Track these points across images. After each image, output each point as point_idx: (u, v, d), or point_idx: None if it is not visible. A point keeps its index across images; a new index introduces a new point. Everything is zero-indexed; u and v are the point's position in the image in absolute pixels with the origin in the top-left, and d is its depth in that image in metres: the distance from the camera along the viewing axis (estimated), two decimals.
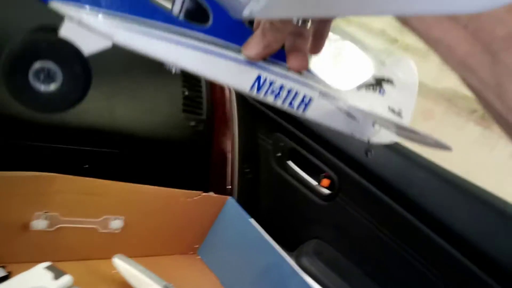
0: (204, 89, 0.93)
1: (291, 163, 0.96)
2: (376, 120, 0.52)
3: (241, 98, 1.00)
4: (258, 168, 1.03)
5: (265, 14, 0.32)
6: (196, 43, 0.35)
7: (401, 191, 0.77)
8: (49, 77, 0.31)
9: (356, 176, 0.83)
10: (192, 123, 0.87)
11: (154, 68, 0.83)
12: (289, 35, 0.38)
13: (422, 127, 0.47)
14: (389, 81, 0.56)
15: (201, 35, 0.36)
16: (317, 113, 0.46)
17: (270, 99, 0.42)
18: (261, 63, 0.39)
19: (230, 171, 0.96)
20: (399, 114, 0.56)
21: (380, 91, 0.55)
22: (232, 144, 0.97)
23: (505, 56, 0.21)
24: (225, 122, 0.97)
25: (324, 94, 0.45)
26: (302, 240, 0.94)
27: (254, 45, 0.37)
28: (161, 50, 0.34)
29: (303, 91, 0.43)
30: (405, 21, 0.24)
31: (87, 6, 0.31)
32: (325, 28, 0.41)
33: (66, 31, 0.32)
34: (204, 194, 0.80)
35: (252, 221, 0.81)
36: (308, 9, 0.26)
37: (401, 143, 0.85)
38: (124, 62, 0.77)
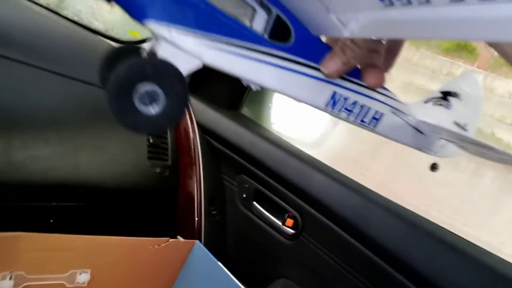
0: (169, 134, 0.96)
1: (256, 204, 0.99)
2: (443, 134, 0.52)
3: (205, 141, 1.03)
4: (225, 210, 1.05)
5: (366, 33, 0.31)
6: (278, 61, 0.36)
7: (360, 229, 0.82)
8: (153, 99, 0.32)
9: (317, 215, 0.87)
10: (158, 170, 0.89)
11: None
12: (367, 50, 0.37)
13: None
14: (456, 95, 0.55)
15: (283, 53, 0.36)
16: (387, 128, 0.46)
17: (343, 115, 0.42)
18: (337, 80, 0.40)
19: (197, 214, 0.98)
20: (464, 128, 0.56)
21: (446, 105, 0.55)
22: (198, 187, 0.99)
23: None
24: (191, 166, 0.99)
25: (394, 110, 0.46)
26: (270, 280, 0.96)
27: (333, 62, 0.37)
28: (246, 69, 0.35)
29: (375, 107, 0.44)
30: (495, 45, 0.26)
31: (179, 26, 0.32)
32: (400, 45, 0.41)
33: (164, 52, 0.33)
34: (171, 240, 0.81)
35: (220, 264, 0.82)
36: (411, 31, 0.27)
37: (360, 183, 0.90)
38: (87, 115, 0.79)
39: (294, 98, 0.39)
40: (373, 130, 0.45)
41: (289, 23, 0.36)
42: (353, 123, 0.44)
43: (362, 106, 0.43)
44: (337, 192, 0.87)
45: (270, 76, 0.36)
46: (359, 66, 0.40)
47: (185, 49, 0.33)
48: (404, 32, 0.28)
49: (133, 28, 1.16)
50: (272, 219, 0.96)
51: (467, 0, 0.21)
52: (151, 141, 0.88)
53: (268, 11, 0.35)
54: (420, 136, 0.50)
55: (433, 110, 0.53)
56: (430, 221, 0.84)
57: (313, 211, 0.89)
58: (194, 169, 0.99)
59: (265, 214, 0.97)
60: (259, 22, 0.35)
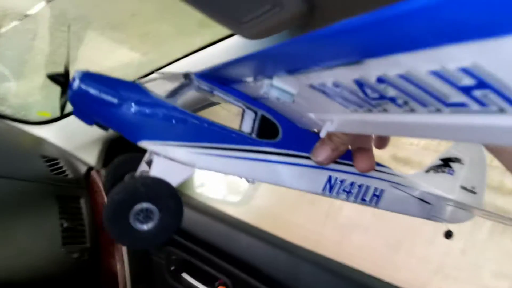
0: (85, 215, 0.92)
1: (185, 276, 0.97)
2: (449, 203, 0.52)
3: None
4: (153, 285, 1.01)
5: (343, 130, 0.34)
6: (269, 157, 0.39)
7: (287, 285, 0.83)
8: (147, 216, 0.34)
9: (248, 278, 0.87)
10: (75, 255, 0.84)
11: (26, 205, 0.80)
12: (353, 135, 0.38)
13: None
14: (457, 160, 0.56)
15: (273, 149, 0.39)
16: (390, 203, 0.47)
17: (342, 197, 0.44)
18: (330, 165, 0.40)
19: None
20: (473, 190, 0.56)
21: (448, 172, 0.55)
22: (122, 266, 0.94)
23: None
24: (112, 244, 0.95)
25: (395, 184, 0.46)
26: None
27: (323, 150, 0.38)
28: (238, 168, 0.38)
29: (374, 184, 0.45)
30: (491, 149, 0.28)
31: (171, 142, 0.35)
32: None
33: (156, 170, 0.36)
34: None
35: None
36: (379, 130, 0.31)
37: (286, 240, 0.92)
38: None
39: (291, 188, 0.41)
40: (376, 207, 0.46)
41: (275, 121, 0.39)
42: (354, 202, 0.45)
43: (360, 186, 0.44)
44: (264, 251, 0.88)
45: (262, 171, 0.39)
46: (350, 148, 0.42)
47: (178, 160, 0.36)
48: (374, 129, 0.32)
49: (41, 109, 1.14)
50: None
51: (417, 111, 0.24)
52: (65, 225, 0.84)
53: (254, 112, 0.39)
54: (426, 206, 0.50)
55: (435, 178, 0.53)
56: (359, 271, 0.88)
57: (243, 274, 0.88)
58: (116, 247, 0.95)
59: (195, 285, 0.95)
60: (247, 124, 0.39)
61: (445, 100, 0.21)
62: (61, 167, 0.95)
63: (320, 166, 0.40)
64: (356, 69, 0.22)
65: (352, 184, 0.44)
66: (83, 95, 0.35)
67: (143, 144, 0.36)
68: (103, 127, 0.39)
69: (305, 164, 0.41)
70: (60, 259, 0.81)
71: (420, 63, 0.19)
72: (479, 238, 1.26)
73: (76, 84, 0.35)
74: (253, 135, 0.39)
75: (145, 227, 0.35)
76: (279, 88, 0.32)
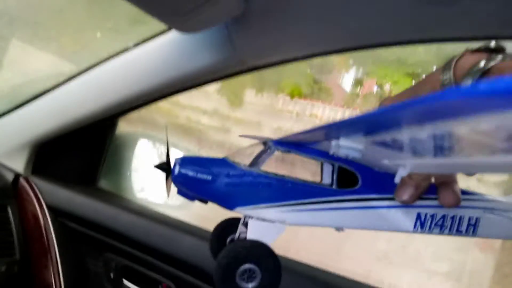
0: (13, 224, 0.87)
1: (126, 282, 0.94)
2: None
3: (59, 224, 0.96)
4: None
5: (417, 171, 0.36)
6: (352, 204, 0.41)
7: None
8: (250, 276, 0.39)
9: (191, 279, 0.87)
10: (3, 268, 0.79)
11: None
12: None
13: None
14: None
15: (355, 196, 0.41)
16: (489, 230, 0.45)
17: (436, 231, 0.44)
18: (417, 202, 0.41)
19: None
20: None
21: None
22: (56, 277, 0.90)
23: None
24: (45, 254, 0.91)
25: (490, 210, 0.45)
26: None
27: (405, 190, 0.39)
28: (325, 219, 0.42)
29: (466, 214, 0.44)
30: None
31: (261, 205, 0.41)
32: None
33: (252, 234, 0.42)
34: None
35: None
36: (447, 170, 0.33)
37: None
38: None
39: (382, 230, 0.43)
40: (474, 236, 0.46)
41: (352, 170, 0.42)
42: (450, 235, 0.45)
43: (452, 218, 0.44)
44: (207, 251, 0.87)
45: (348, 218, 0.42)
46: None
47: (269, 219, 0.42)
48: (446, 170, 0.34)
49: None
50: None
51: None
52: None
53: (331, 165, 0.42)
54: None
55: None
56: (302, 263, 0.89)
57: (186, 276, 0.88)
58: (49, 257, 0.91)
59: None
60: (326, 176, 0.42)
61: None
62: None
63: (407, 205, 0.41)
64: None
65: (443, 217, 0.44)
66: (183, 177, 0.42)
67: (238, 210, 0.42)
68: (203, 201, 0.45)
69: (390, 206, 0.43)
70: None
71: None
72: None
73: (176, 169, 0.42)
74: (334, 186, 0.42)
75: (250, 285, 0.40)
76: (347, 147, 0.36)
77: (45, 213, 0.94)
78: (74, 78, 0.95)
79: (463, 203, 0.43)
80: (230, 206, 0.42)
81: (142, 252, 0.91)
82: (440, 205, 0.42)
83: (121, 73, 0.91)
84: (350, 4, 0.65)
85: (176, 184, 0.43)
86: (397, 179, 0.36)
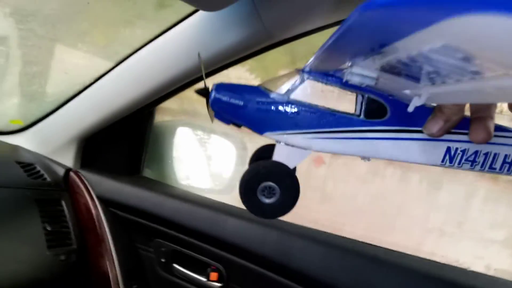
0: (68, 217, 0.93)
1: (176, 266, 0.99)
2: None
3: (111, 214, 1.02)
4: (145, 280, 1.03)
5: (433, 101, 0.38)
6: (379, 134, 0.43)
7: (283, 264, 0.86)
8: (270, 193, 0.44)
9: (240, 261, 0.90)
10: (63, 257, 0.86)
11: (4, 211, 0.82)
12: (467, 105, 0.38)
13: None
14: None
15: (382, 127, 0.44)
16: None
17: (466, 167, 0.44)
18: (448, 136, 0.42)
19: None
20: None
21: None
22: (112, 264, 0.96)
23: None
24: (100, 243, 0.97)
25: None
26: None
27: (434, 123, 0.40)
28: (351, 148, 0.44)
29: (503, 151, 0.44)
30: None
31: (289, 131, 0.44)
32: None
33: (276, 156, 0.46)
34: None
35: None
36: (463, 98, 0.33)
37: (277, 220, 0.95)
38: None
39: (408, 162, 0.45)
40: (511, 174, 0.45)
41: (382, 101, 0.44)
42: (482, 171, 0.45)
43: (486, 154, 0.44)
44: (253, 232, 0.91)
45: (374, 149, 0.44)
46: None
47: (296, 145, 0.45)
48: (461, 98, 0.34)
49: (14, 117, 1.16)
50: (196, 278, 0.97)
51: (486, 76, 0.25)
52: (48, 228, 0.85)
53: (361, 96, 0.44)
54: None
55: None
56: (348, 238, 0.91)
57: (234, 258, 0.91)
58: (103, 246, 0.97)
59: (188, 274, 0.98)
60: (358, 107, 0.44)
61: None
62: (38, 171, 0.96)
63: (436, 138, 0.42)
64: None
65: (476, 153, 0.44)
66: (218, 102, 0.46)
67: (267, 135, 0.46)
68: (237, 125, 0.48)
69: (419, 138, 0.43)
70: (47, 263, 0.83)
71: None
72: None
73: (212, 95, 0.46)
74: (362, 116, 0.44)
75: (270, 201, 0.45)
76: (359, 74, 0.37)
77: (96, 204, 1.00)
78: (109, 71, 0.99)
79: (499, 140, 0.43)
80: (260, 130, 0.46)
81: (189, 236, 0.96)
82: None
83: (154, 60, 0.94)
84: None
85: (213, 108, 0.47)
86: (410, 108, 0.36)
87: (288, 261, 0.87)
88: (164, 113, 1.23)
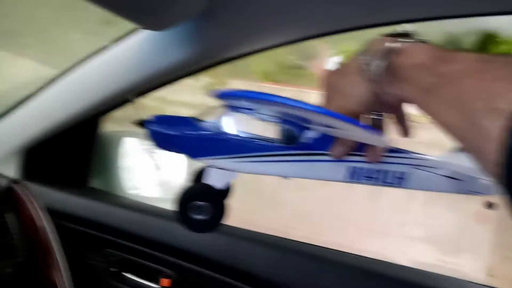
0: (13, 229, 0.92)
1: (127, 275, 1.01)
2: (481, 177, 0.54)
3: (58, 225, 1.01)
4: None
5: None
6: (295, 157, 0.52)
7: (231, 266, 0.91)
8: (201, 210, 0.52)
9: (190, 266, 0.94)
10: (9, 270, 0.85)
11: None
12: None
13: None
14: None
15: (297, 151, 0.52)
16: (414, 184, 0.55)
17: (365, 182, 0.54)
18: (350, 157, 0.52)
19: None
20: None
21: None
22: (59, 274, 0.96)
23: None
24: (47, 254, 0.96)
25: (417, 166, 0.54)
26: None
27: (337, 147, 0.50)
28: (272, 169, 0.52)
29: (393, 168, 0.54)
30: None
31: (219, 156, 0.51)
32: (401, 114, 0.51)
33: (206, 178, 0.53)
34: None
35: None
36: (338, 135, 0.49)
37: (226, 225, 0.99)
38: None
39: (318, 179, 0.54)
40: (401, 187, 0.55)
41: (295, 130, 0.52)
42: (378, 185, 0.54)
43: (378, 171, 0.54)
44: (203, 238, 0.95)
45: (291, 169, 0.53)
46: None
47: (225, 168, 0.53)
48: (337, 134, 0.50)
49: None
50: (147, 285, 0.99)
51: None
52: None
53: (278, 126, 0.52)
54: (458, 183, 0.55)
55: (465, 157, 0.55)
56: (292, 240, 0.98)
57: (185, 263, 0.95)
58: (50, 257, 0.96)
59: (139, 282, 1.00)
60: (277, 135, 0.52)
61: None
62: None
63: (339, 159, 0.52)
64: None
65: (372, 170, 0.54)
66: (156, 133, 0.53)
67: (199, 160, 0.53)
68: (174, 152, 0.55)
69: (326, 160, 0.52)
70: None
71: None
72: None
73: (150, 127, 0.53)
74: (279, 143, 0.52)
75: (200, 217, 0.52)
76: (266, 114, 0.51)
77: (41, 216, 0.99)
78: (54, 81, 1.00)
79: (390, 160, 0.53)
80: (193, 156, 0.53)
81: (140, 244, 0.98)
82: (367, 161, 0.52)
83: (99, 73, 0.97)
84: None
85: (151, 139, 0.54)
86: (309, 139, 0.51)
87: (237, 263, 0.91)
88: (110, 121, 1.24)
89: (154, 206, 1.06)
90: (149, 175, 1.33)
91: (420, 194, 1.63)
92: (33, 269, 0.93)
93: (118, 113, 1.20)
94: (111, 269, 1.02)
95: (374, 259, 0.93)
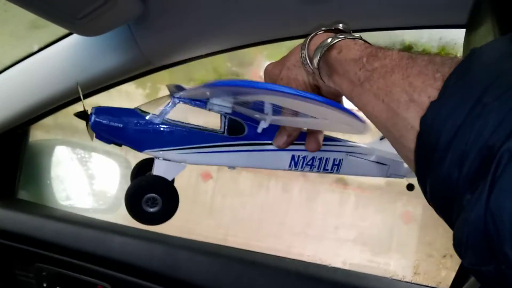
0: None
1: None
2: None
3: None
4: None
5: (275, 124, 0.53)
6: (240, 147, 0.54)
7: (169, 276, 0.92)
8: (153, 203, 0.52)
9: (127, 277, 0.94)
10: None
11: None
12: None
13: None
14: None
15: (242, 141, 0.54)
16: (350, 169, 0.60)
17: (307, 169, 0.58)
18: (292, 146, 0.55)
19: None
20: None
21: None
22: None
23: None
24: None
25: (351, 153, 0.59)
26: None
27: (280, 137, 0.53)
28: (218, 160, 0.54)
29: (332, 156, 0.58)
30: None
31: (166, 148, 0.52)
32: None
33: (156, 170, 0.53)
34: None
35: None
36: (289, 124, 0.51)
37: (163, 234, 1.00)
38: None
39: (264, 168, 0.57)
40: (338, 173, 0.60)
41: (240, 120, 0.54)
42: (319, 172, 0.58)
43: (320, 159, 0.58)
44: (139, 248, 0.95)
45: (237, 159, 0.55)
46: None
47: (172, 160, 0.53)
48: (290, 123, 0.52)
49: None
50: None
51: None
52: None
53: (224, 116, 0.54)
54: (384, 167, 0.63)
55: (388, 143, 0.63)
56: (230, 247, 1.00)
57: (121, 275, 0.94)
58: None
59: None
60: (222, 126, 0.54)
61: None
62: None
63: (282, 149, 0.55)
64: None
65: (313, 158, 0.58)
66: (99, 125, 0.51)
67: (146, 152, 0.53)
68: (118, 144, 0.54)
69: (269, 149, 0.55)
70: None
71: None
72: None
73: (92, 118, 0.51)
74: (225, 134, 0.54)
75: (153, 209, 0.52)
76: (218, 105, 0.52)
77: None
78: None
79: (328, 148, 0.59)
80: (139, 148, 0.53)
81: (74, 257, 0.96)
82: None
83: (27, 79, 0.94)
84: (242, 3, 0.77)
85: (93, 130, 0.52)
86: (259, 130, 0.54)
87: (176, 273, 0.93)
88: (38, 129, 1.20)
89: (89, 218, 1.05)
90: (82, 184, 1.30)
91: (352, 198, 1.75)
92: None
93: (49, 120, 1.17)
94: (43, 285, 0.99)
95: (309, 262, 0.98)
